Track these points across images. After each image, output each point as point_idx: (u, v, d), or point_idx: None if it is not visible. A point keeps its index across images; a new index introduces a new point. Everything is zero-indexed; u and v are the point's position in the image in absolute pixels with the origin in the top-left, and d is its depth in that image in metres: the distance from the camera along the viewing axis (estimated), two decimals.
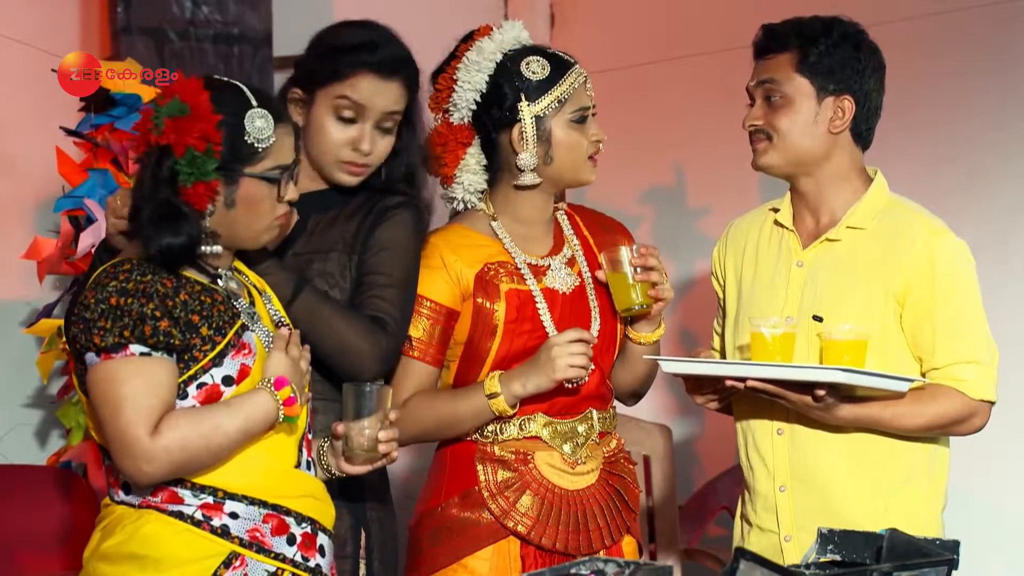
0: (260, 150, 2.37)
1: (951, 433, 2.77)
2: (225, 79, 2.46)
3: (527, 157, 2.80)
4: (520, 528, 2.75)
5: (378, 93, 2.74)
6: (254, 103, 2.39)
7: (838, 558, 2.19)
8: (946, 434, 2.77)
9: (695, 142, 4.84)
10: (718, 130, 4.63)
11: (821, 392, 2.60)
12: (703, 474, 4.74)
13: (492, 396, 2.73)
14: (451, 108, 2.85)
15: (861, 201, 2.80)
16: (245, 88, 2.42)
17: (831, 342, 2.63)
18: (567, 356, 2.68)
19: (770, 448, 2.80)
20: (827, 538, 2.21)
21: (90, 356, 2.29)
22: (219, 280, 2.41)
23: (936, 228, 2.76)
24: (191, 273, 2.37)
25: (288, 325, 2.50)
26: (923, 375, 2.74)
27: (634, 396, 3.01)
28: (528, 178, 2.81)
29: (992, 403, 2.74)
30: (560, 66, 2.80)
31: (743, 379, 2.62)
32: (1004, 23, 4.21)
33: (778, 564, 1.98)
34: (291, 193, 2.44)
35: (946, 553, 2.09)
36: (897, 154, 3.94)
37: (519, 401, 2.74)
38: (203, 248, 2.37)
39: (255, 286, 2.52)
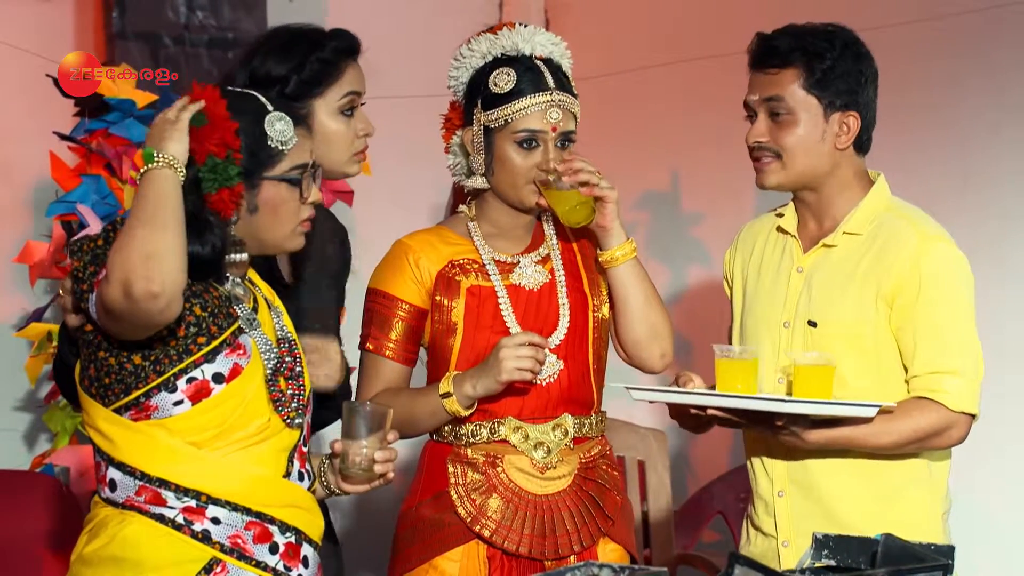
0: (283, 152, 2.40)
1: (929, 447, 2.72)
2: (239, 89, 2.49)
3: (473, 162, 2.83)
4: (484, 532, 2.75)
5: (361, 75, 2.82)
6: (270, 108, 2.42)
7: (833, 563, 2.19)
8: (924, 448, 2.72)
9: (690, 147, 4.84)
10: (714, 135, 4.64)
11: (779, 423, 2.60)
12: (697, 479, 4.73)
13: (445, 396, 2.74)
14: (453, 91, 2.90)
15: (859, 207, 2.78)
16: (259, 95, 2.45)
17: (798, 368, 2.63)
18: (514, 359, 2.67)
19: (768, 453, 2.80)
20: (822, 543, 2.20)
21: (90, 300, 2.27)
22: (226, 284, 2.41)
23: (929, 235, 2.73)
24: None
25: (294, 340, 2.50)
26: (906, 382, 2.72)
27: (659, 352, 2.86)
28: (476, 181, 2.84)
29: (974, 416, 2.69)
30: (527, 86, 2.77)
31: (704, 408, 2.63)
32: (996, 28, 4.21)
33: (773, 569, 1.97)
34: (314, 194, 2.46)
35: (941, 558, 2.08)
36: (891, 159, 3.92)
37: (475, 402, 2.74)
38: (229, 256, 2.39)
39: (267, 299, 2.52)
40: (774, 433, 2.65)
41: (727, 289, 2.98)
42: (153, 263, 2.17)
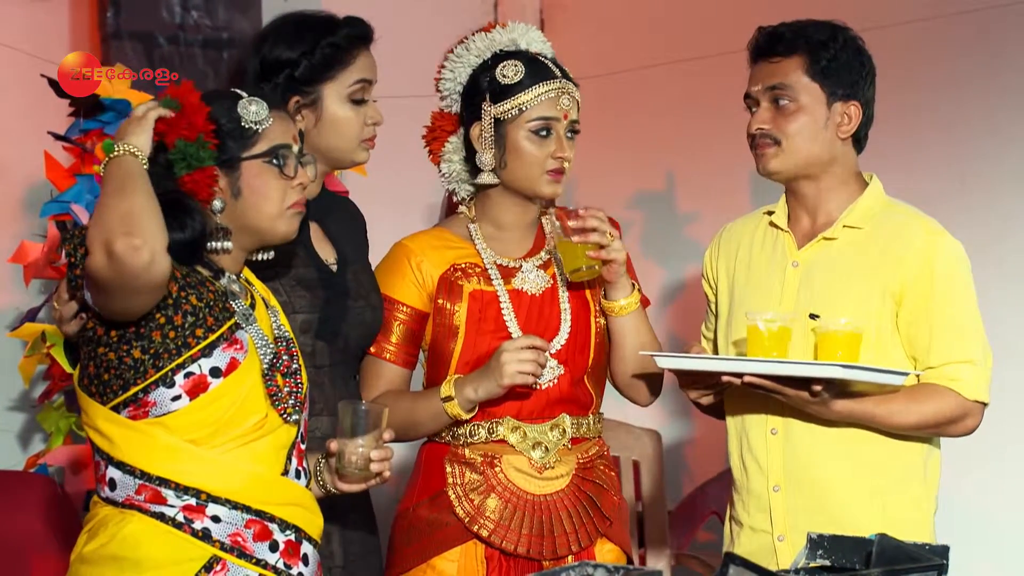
0: (259, 132, 2.42)
1: (944, 433, 2.77)
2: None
3: (484, 157, 2.82)
4: (483, 531, 2.76)
5: (373, 63, 2.81)
6: (244, 95, 2.45)
7: (827, 563, 2.19)
8: (939, 434, 2.77)
9: (685, 147, 4.84)
10: (708, 135, 4.65)
11: (818, 388, 2.61)
12: (692, 479, 4.73)
13: (447, 400, 2.74)
14: (442, 94, 2.90)
15: (858, 202, 2.81)
16: (235, 90, 2.48)
17: (826, 335, 2.64)
18: (515, 362, 2.67)
19: (764, 448, 2.80)
20: (816, 543, 2.20)
21: (85, 286, 2.28)
22: (221, 279, 2.42)
23: (934, 228, 2.78)
24: (198, 267, 2.41)
25: (292, 340, 2.50)
26: (916, 376, 2.73)
27: (649, 392, 2.93)
28: (486, 177, 2.83)
29: (985, 404, 2.74)
30: (536, 75, 2.79)
31: (740, 375, 2.61)
32: (995, 28, 4.21)
33: (768, 569, 1.97)
34: (301, 175, 2.46)
35: (936, 558, 2.08)
36: (891, 159, 3.93)
37: (476, 405, 2.74)
38: (213, 244, 2.40)
39: (264, 299, 2.52)
40: (799, 402, 2.64)
41: (708, 290, 2.99)
42: (131, 219, 2.19)
